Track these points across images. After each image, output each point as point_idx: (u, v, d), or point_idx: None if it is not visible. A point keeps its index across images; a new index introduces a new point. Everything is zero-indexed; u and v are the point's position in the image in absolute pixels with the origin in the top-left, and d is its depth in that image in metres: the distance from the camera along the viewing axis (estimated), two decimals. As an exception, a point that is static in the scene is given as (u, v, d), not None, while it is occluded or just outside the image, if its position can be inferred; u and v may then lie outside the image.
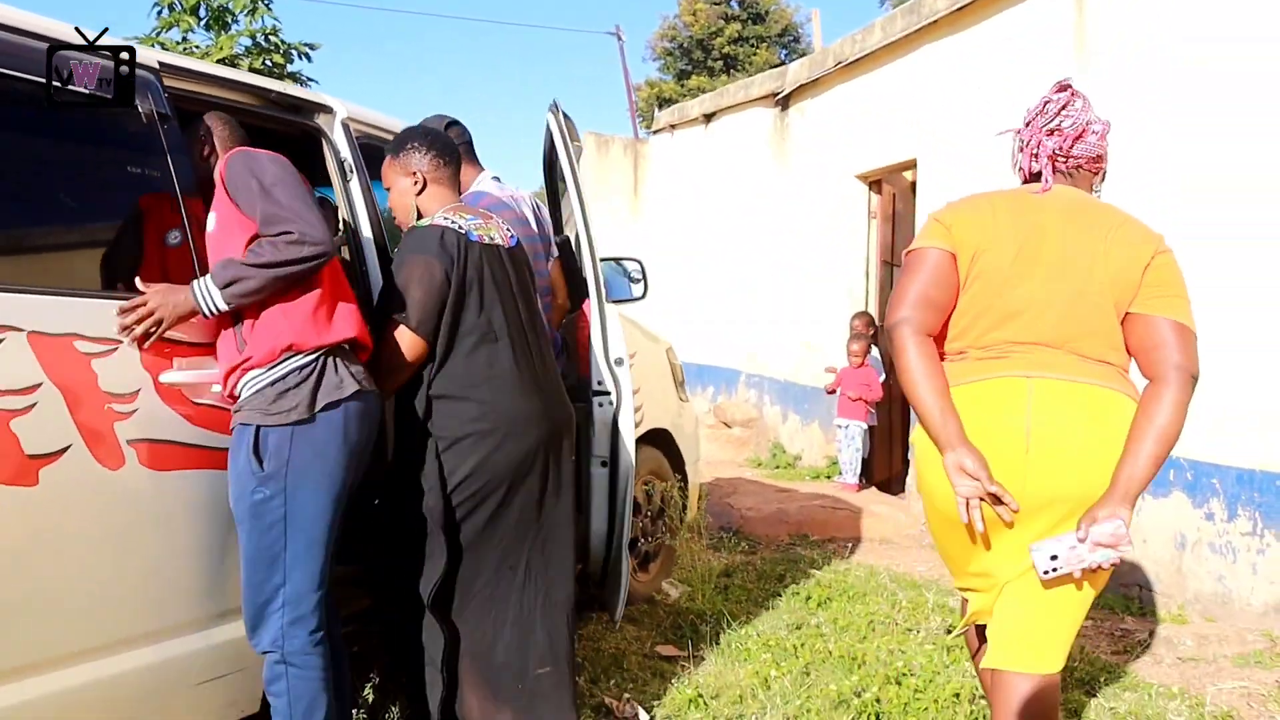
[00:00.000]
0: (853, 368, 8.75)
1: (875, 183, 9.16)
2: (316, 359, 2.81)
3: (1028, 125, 3.00)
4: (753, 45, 32.81)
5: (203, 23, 15.33)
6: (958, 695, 3.87)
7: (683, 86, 32.61)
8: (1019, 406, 2.63)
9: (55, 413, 2.58)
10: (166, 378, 2.84)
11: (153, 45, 14.84)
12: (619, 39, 19.45)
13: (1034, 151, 2.94)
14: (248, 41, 15.27)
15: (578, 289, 4.43)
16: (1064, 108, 2.95)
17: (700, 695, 3.97)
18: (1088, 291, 2.68)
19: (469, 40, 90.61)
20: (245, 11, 15.11)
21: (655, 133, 14.42)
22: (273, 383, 2.77)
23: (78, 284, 2.91)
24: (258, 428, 2.77)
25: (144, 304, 2.77)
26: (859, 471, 8.78)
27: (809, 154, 10.10)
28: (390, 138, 4.08)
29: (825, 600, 5.34)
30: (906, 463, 8.39)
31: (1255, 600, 5.10)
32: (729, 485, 8.34)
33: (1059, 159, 2.93)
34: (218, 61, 14.44)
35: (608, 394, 4.17)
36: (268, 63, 15.27)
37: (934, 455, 2.69)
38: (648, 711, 3.86)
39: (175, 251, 3.06)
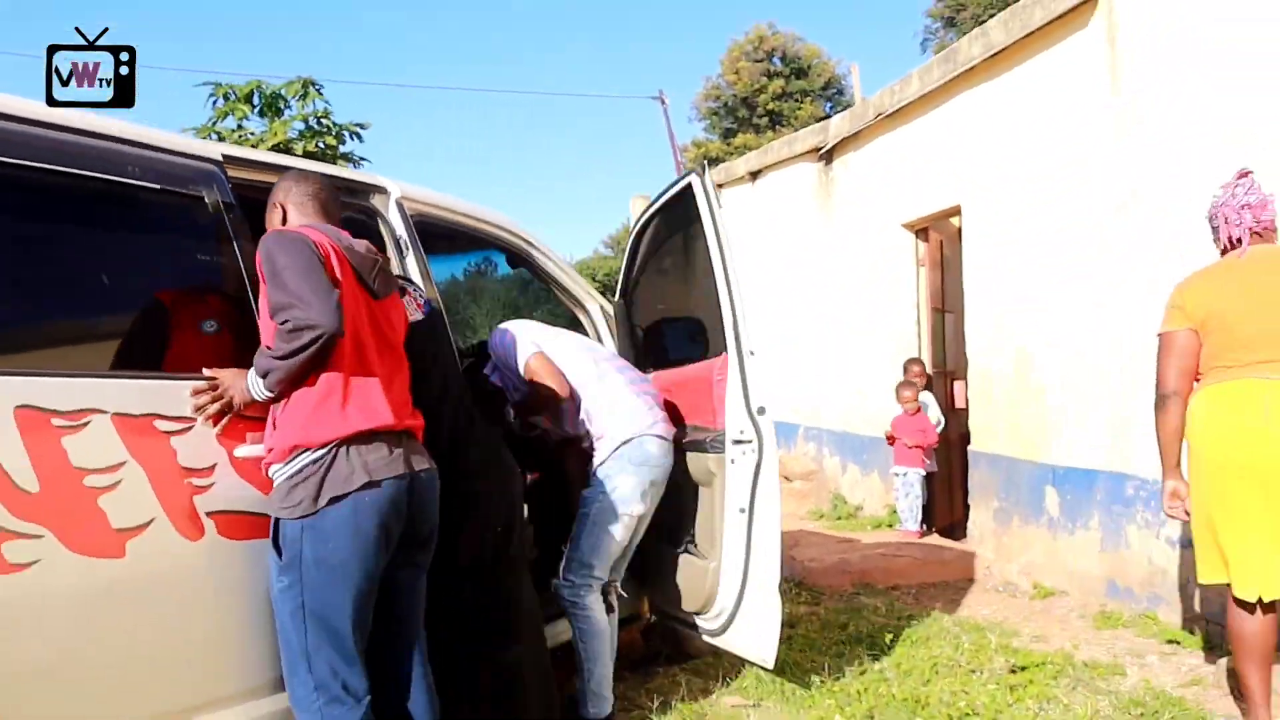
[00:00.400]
0: (907, 415, 8.80)
1: (922, 230, 9.25)
2: (328, 452, 2.91)
3: (1221, 206, 4.07)
4: (796, 100, 33.10)
5: (256, 109, 15.78)
6: (1021, 733, 3.91)
7: (729, 145, 32.92)
8: (1260, 396, 3.78)
9: (139, 488, 2.74)
10: (240, 452, 3.00)
11: (209, 135, 15.36)
12: (662, 103, 19.77)
13: (1236, 223, 4.01)
14: (300, 125, 15.68)
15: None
16: (1250, 189, 4.00)
17: (767, 744, 4.04)
18: None
19: (514, 111, 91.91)
20: (297, 97, 15.58)
21: (702, 192, 14.62)
22: (288, 477, 2.91)
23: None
24: (276, 520, 2.92)
25: (215, 387, 2.94)
26: (919, 518, 8.81)
27: (854, 205, 10.22)
28: (443, 214, 4.28)
29: (888, 646, 5.39)
30: (967, 507, 8.41)
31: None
32: (792, 538, 8.38)
33: (1254, 226, 3.97)
34: (272, 147, 14.89)
35: (750, 442, 4.26)
36: (321, 145, 15.71)
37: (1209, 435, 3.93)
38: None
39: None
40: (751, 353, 4.29)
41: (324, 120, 15.68)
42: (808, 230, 11.18)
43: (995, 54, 7.40)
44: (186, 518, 2.84)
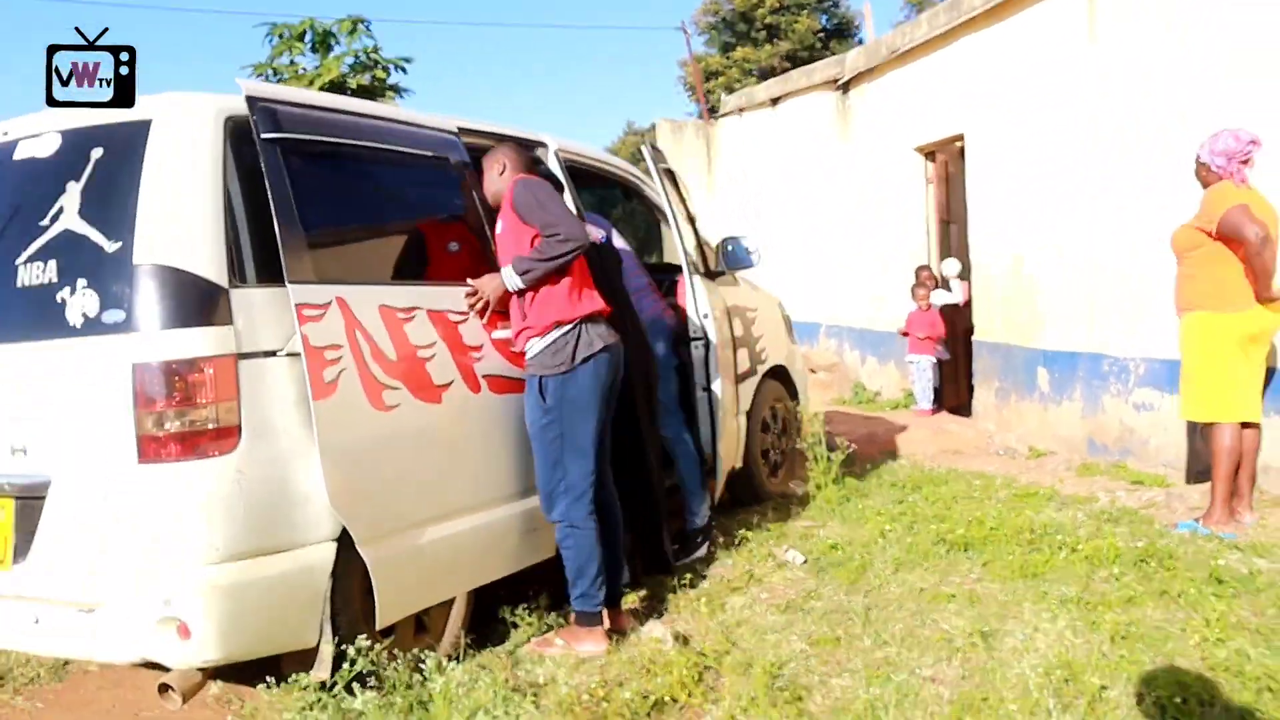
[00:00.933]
0: (920, 311, 10.30)
1: (930, 153, 10.66)
2: (574, 327, 4.31)
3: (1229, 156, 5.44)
4: (793, 13, 33.58)
5: (309, 46, 16.88)
6: (1019, 530, 5.44)
7: (728, 58, 33.55)
8: None
9: (444, 358, 4.18)
10: (496, 335, 4.44)
11: (266, 71, 16.54)
12: (685, 33, 20.96)
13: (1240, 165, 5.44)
14: (351, 61, 16.75)
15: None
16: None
17: (836, 545, 5.57)
18: None
19: (523, 47, 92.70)
20: (346, 34, 16.66)
21: (724, 115, 15.94)
22: (549, 344, 4.30)
23: (445, 278, 4.52)
24: (541, 377, 4.33)
25: (479, 288, 4.36)
26: (932, 399, 10.37)
27: (869, 131, 11.63)
28: (584, 161, 5.67)
29: (917, 486, 6.93)
30: (971, 389, 9.95)
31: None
32: (824, 417, 9.87)
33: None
34: (325, 82, 16.07)
35: (701, 339, 5.77)
36: (370, 78, 16.86)
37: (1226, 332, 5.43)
38: (802, 555, 5.44)
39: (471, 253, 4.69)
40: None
41: (373, 55, 16.80)
42: (827, 152, 12.59)
43: (994, 6, 8.79)
44: (471, 378, 4.29)
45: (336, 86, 16.15)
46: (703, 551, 5.62)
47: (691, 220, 5.95)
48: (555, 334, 4.26)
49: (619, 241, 5.69)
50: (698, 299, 5.76)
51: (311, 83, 15.95)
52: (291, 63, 16.69)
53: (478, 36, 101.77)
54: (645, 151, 5.91)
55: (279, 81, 16.33)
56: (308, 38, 16.51)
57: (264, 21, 16.48)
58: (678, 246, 5.79)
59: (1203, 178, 5.58)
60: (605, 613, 4.41)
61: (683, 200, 5.90)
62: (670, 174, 5.98)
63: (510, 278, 4.25)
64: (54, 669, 4.49)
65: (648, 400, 5.20)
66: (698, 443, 5.79)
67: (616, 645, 4.30)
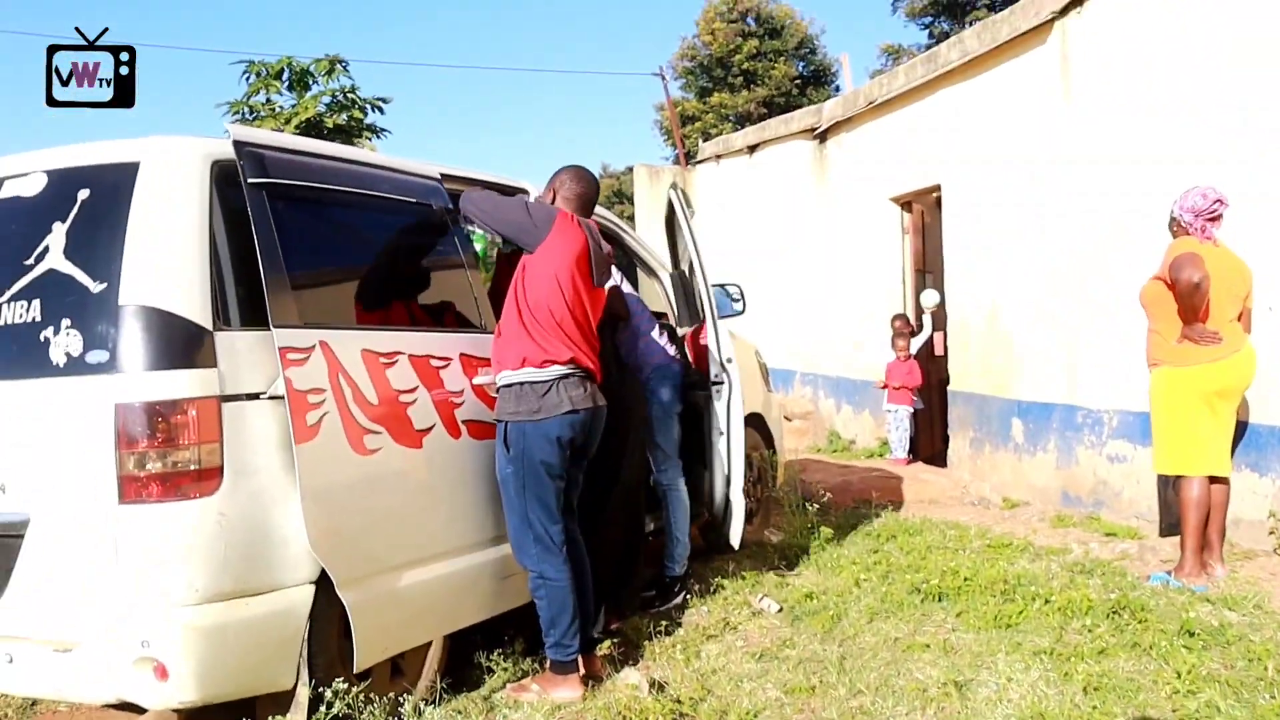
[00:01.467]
0: (898, 361, 10.38)
1: (906, 203, 10.78)
2: (549, 381, 4.23)
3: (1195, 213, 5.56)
4: (770, 60, 33.89)
5: (286, 85, 16.92)
6: (994, 581, 5.48)
7: (705, 104, 33.83)
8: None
9: (425, 403, 4.21)
10: (477, 380, 4.47)
11: (242, 109, 16.56)
12: (663, 78, 21.08)
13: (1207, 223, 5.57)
14: (328, 100, 16.80)
15: (694, 311, 6.04)
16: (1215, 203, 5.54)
17: (811, 594, 5.59)
18: None
19: (498, 89, 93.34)
20: (324, 73, 16.72)
21: (701, 162, 16.07)
22: (514, 385, 4.26)
23: (427, 323, 4.56)
24: (505, 423, 4.27)
25: None
26: (907, 448, 10.43)
27: (846, 180, 11.75)
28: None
29: (891, 536, 6.96)
30: (946, 440, 10.01)
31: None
32: (799, 465, 9.93)
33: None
34: (302, 120, 16.11)
35: (722, 384, 5.79)
36: (347, 118, 16.92)
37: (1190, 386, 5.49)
38: (777, 604, 5.46)
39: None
40: (720, 318, 5.90)
41: (350, 95, 16.87)
42: (804, 201, 12.70)
43: (970, 60, 8.91)
44: (452, 423, 4.31)
45: (313, 125, 16.22)
46: (679, 600, 5.64)
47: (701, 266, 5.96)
48: (523, 375, 4.26)
49: (627, 288, 5.75)
50: (720, 343, 5.80)
51: (288, 121, 16.01)
52: (268, 100, 16.76)
53: (454, 78, 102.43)
54: (673, 196, 5.97)
55: (255, 119, 16.38)
56: (285, 76, 16.59)
57: (241, 59, 16.55)
58: (700, 291, 5.84)
59: (1173, 232, 5.71)
60: (580, 659, 4.40)
61: (698, 251, 5.92)
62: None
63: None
64: (21, 708, 4.47)
65: (636, 449, 5.25)
66: (701, 488, 5.91)
67: (592, 691, 4.30)
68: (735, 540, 5.90)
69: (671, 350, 5.86)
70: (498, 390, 4.36)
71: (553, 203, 4.59)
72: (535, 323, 4.25)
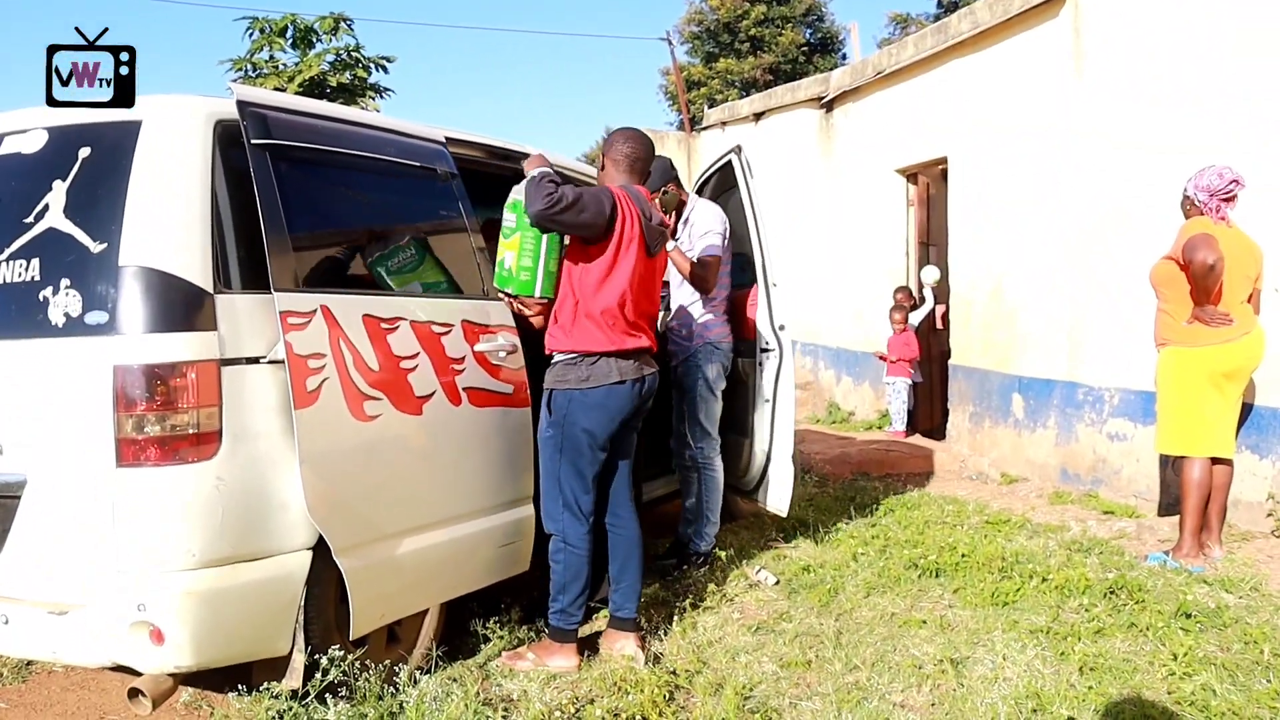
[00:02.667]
0: (896, 334, 10.35)
1: (912, 175, 10.72)
2: (600, 356, 4.24)
3: (1211, 192, 5.54)
4: (777, 26, 33.67)
5: (289, 43, 16.83)
6: (991, 558, 5.48)
7: (711, 69, 33.63)
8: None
9: (426, 370, 4.18)
10: (479, 347, 4.44)
11: (244, 66, 16.47)
12: (669, 43, 21.00)
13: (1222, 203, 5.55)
14: (332, 59, 16.71)
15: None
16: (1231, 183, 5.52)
17: (808, 567, 5.58)
18: None
19: (502, 49, 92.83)
20: (328, 31, 16.62)
21: (706, 128, 15.98)
22: (567, 360, 4.28)
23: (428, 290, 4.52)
24: (552, 390, 4.30)
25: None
26: (906, 421, 10.41)
27: (852, 150, 11.68)
28: (578, 178, 5.68)
29: (889, 510, 6.96)
30: (946, 413, 9.99)
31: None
32: (798, 436, 9.85)
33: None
34: (306, 79, 16.01)
35: (772, 351, 5.76)
36: (351, 76, 16.83)
37: (1199, 367, 5.48)
38: (774, 576, 5.45)
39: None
40: (775, 284, 5.80)
41: (354, 54, 16.78)
42: (810, 169, 12.63)
43: (981, 32, 8.83)
44: (452, 390, 4.28)
45: (316, 84, 16.15)
46: (700, 572, 5.64)
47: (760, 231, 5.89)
48: (584, 355, 4.27)
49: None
50: (773, 311, 5.76)
51: (291, 79, 15.94)
52: (271, 58, 16.69)
53: (458, 38, 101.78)
54: (736, 161, 5.91)
55: (258, 77, 16.29)
56: (289, 34, 16.51)
57: (245, 15, 16.49)
58: (756, 256, 5.79)
59: (1186, 211, 5.67)
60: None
61: (757, 218, 5.86)
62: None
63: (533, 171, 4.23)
64: (16, 669, 4.46)
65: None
66: (740, 457, 5.93)
67: (588, 662, 4.30)
68: (783, 507, 5.78)
69: (727, 327, 5.82)
70: (553, 363, 4.36)
71: (603, 169, 4.55)
72: (590, 314, 4.24)
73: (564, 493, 4.33)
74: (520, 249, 4.29)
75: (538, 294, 4.35)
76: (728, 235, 5.75)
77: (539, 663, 4.26)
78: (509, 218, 4.33)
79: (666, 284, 5.63)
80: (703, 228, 5.69)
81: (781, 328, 5.73)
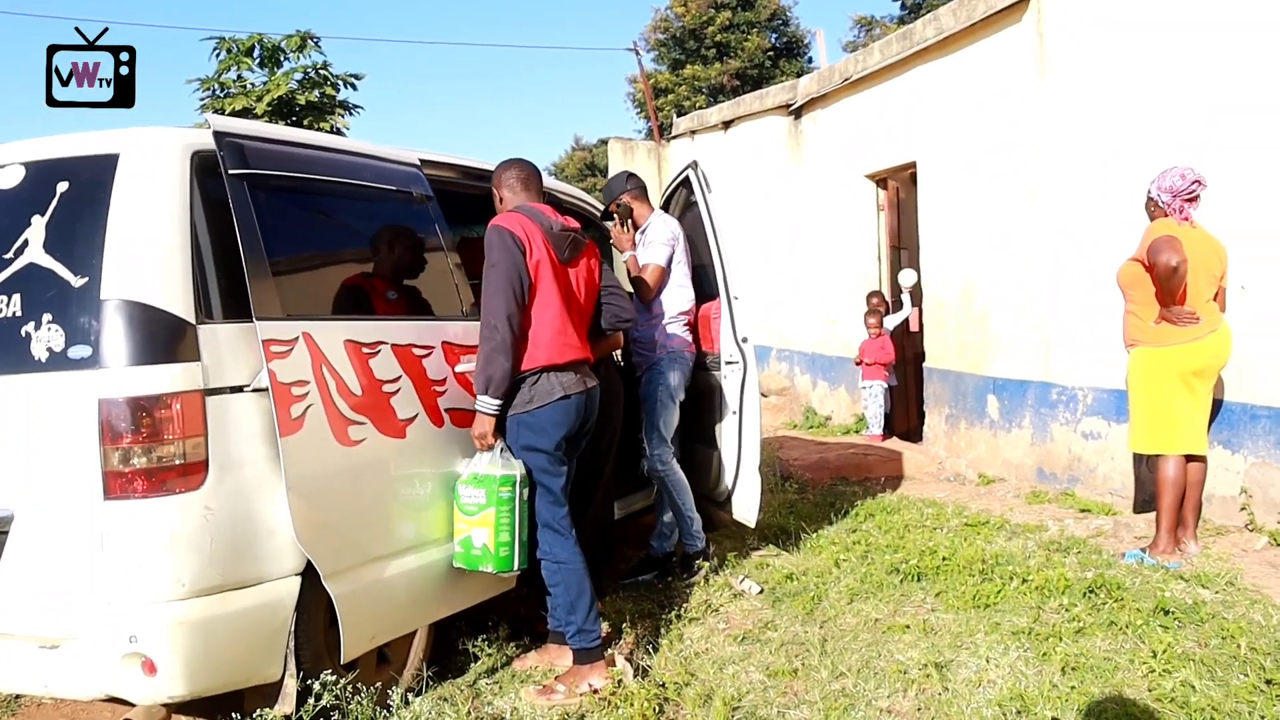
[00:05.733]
0: (871, 339, 10.42)
1: (881, 180, 10.80)
2: (537, 373, 4.29)
3: (1174, 193, 5.63)
4: (743, 32, 33.75)
5: (257, 62, 16.77)
6: (972, 560, 5.54)
7: (677, 76, 33.65)
8: None
9: (409, 393, 4.21)
10: (460, 369, 4.47)
11: (212, 86, 16.40)
12: (638, 54, 21.07)
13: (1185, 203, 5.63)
14: (300, 77, 16.65)
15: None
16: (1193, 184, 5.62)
17: (791, 575, 5.64)
18: None
19: (470, 62, 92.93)
20: (295, 50, 16.56)
21: (675, 137, 16.03)
22: (518, 384, 4.32)
23: (411, 312, 4.55)
24: (506, 416, 4.36)
25: (478, 436, 4.26)
26: (883, 425, 10.48)
27: (822, 157, 11.76)
28: (563, 198, 5.72)
29: (870, 515, 7.02)
30: (922, 415, 10.08)
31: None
32: (776, 443, 10.00)
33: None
34: (275, 98, 15.96)
35: (737, 363, 5.79)
36: (320, 94, 16.79)
37: (1168, 366, 5.57)
38: (758, 585, 5.50)
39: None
40: (737, 297, 5.82)
41: (322, 72, 16.74)
42: (780, 176, 12.71)
43: (946, 37, 8.92)
44: (435, 412, 4.32)
45: (285, 102, 16.11)
46: (699, 575, 5.71)
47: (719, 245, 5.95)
48: (524, 375, 4.31)
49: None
50: (735, 323, 5.77)
51: (260, 99, 15.89)
52: (239, 78, 16.63)
53: (426, 53, 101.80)
54: (693, 176, 6.01)
55: (226, 97, 16.24)
56: (256, 53, 16.45)
57: (211, 35, 16.40)
58: (716, 269, 5.81)
59: (1150, 212, 5.75)
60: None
61: (715, 230, 5.92)
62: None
63: (481, 403, 4.25)
64: (5, 702, 4.47)
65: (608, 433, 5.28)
66: (709, 469, 5.95)
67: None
68: (750, 518, 5.81)
69: (690, 337, 5.88)
70: None
71: (501, 202, 4.59)
72: (527, 333, 4.29)
73: (540, 514, 4.36)
74: (496, 525, 4.20)
75: (516, 568, 4.31)
76: (676, 246, 5.84)
77: (572, 693, 4.17)
78: (474, 493, 4.24)
79: (632, 295, 5.67)
80: (650, 238, 5.83)
81: (745, 340, 5.77)
